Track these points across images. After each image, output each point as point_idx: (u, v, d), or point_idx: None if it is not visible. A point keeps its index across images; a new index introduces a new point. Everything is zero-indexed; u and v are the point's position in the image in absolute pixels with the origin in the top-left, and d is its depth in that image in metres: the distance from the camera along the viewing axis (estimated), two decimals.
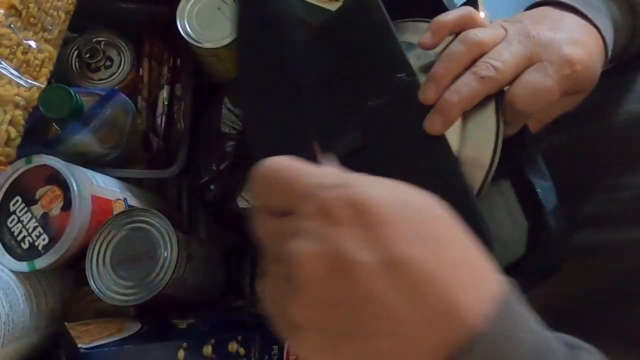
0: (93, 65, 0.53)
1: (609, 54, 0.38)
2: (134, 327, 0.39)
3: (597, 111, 0.43)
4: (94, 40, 0.53)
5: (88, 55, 0.52)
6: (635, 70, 0.43)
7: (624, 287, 0.37)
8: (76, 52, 0.53)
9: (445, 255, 0.22)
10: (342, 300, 0.21)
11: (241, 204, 0.55)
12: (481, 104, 0.34)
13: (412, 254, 0.21)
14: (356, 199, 0.22)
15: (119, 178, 0.50)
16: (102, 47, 0.53)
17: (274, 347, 0.42)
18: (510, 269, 0.35)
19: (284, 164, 0.24)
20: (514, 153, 0.36)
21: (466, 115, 0.35)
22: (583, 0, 0.38)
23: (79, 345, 0.34)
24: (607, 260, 0.39)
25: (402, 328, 0.21)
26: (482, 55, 0.35)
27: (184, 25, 0.49)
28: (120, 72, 0.53)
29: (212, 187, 0.53)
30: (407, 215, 0.22)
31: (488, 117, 0.35)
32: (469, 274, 0.22)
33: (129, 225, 0.42)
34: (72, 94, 0.43)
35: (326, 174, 0.24)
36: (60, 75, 0.51)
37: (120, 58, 0.53)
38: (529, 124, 0.38)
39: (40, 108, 0.43)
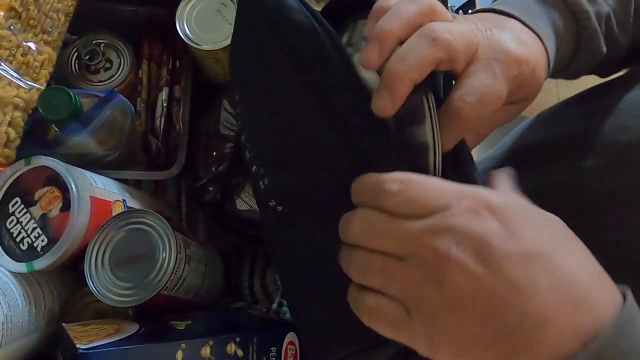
0: (92, 67, 0.53)
1: (551, 63, 0.36)
2: (132, 329, 0.39)
3: (579, 142, 0.41)
4: (94, 42, 0.53)
5: (87, 57, 0.53)
6: (615, 92, 0.41)
7: None
8: (76, 54, 0.53)
9: (574, 253, 0.26)
10: (484, 286, 0.25)
11: (240, 205, 0.55)
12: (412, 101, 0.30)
13: (547, 249, 0.26)
14: (496, 202, 0.26)
15: (117, 179, 0.50)
16: (101, 49, 0.53)
17: (272, 348, 0.42)
18: None
19: (420, 178, 0.27)
20: (449, 174, 0.30)
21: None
22: (522, 8, 0.36)
23: (78, 346, 0.34)
24: None
25: (544, 312, 0.24)
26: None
27: (184, 27, 0.49)
28: (120, 74, 0.53)
29: (211, 188, 0.53)
30: (531, 215, 0.27)
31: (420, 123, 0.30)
32: (597, 271, 0.26)
33: (128, 227, 0.42)
34: (72, 95, 0.43)
35: (462, 186, 0.27)
36: (60, 77, 0.52)
37: (120, 60, 0.53)
38: (467, 138, 0.32)
39: (40, 109, 0.43)
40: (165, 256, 0.41)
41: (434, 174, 0.30)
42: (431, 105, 0.30)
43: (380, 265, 0.27)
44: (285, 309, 0.53)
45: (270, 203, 0.34)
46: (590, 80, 0.48)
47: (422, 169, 0.29)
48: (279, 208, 0.34)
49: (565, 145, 0.43)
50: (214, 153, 0.53)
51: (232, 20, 0.50)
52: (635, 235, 0.35)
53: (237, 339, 0.39)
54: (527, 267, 0.25)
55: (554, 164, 0.43)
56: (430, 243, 0.26)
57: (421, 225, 0.26)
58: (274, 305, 0.54)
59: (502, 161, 0.51)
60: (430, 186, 0.27)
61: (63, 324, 0.42)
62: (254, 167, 0.36)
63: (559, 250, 0.26)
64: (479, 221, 0.26)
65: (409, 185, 0.27)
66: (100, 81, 0.53)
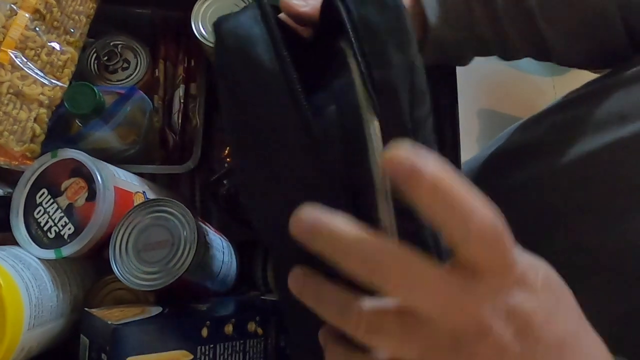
0: (111, 67, 0.55)
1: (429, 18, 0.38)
2: (156, 310, 0.41)
3: (550, 149, 0.43)
4: (112, 43, 0.56)
5: (106, 57, 0.55)
6: (589, 102, 0.43)
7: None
8: (94, 54, 0.55)
9: (587, 327, 0.25)
10: None
11: None
12: None
13: (575, 332, 0.25)
14: (543, 277, 0.24)
15: (136, 174, 0.52)
16: (119, 50, 0.55)
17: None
18: None
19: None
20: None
21: None
22: None
23: (109, 322, 0.36)
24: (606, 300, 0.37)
25: None
26: None
27: (199, 27, 0.52)
28: (137, 73, 0.55)
29: (225, 182, 0.55)
30: (565, 293, 0.25)
31: None
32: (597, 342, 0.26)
33: (151, 214, 0.44)
34: (96, 91, 0.46)
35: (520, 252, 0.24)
36: (80, 77, 0.54)
37: (137, 60, 0.56)
38: None
39: (66, 104, 0.46)
40: (187, 242, 0.43)
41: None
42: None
43: (398, 323, 0.23)
44: None
45: None
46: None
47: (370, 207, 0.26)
48: None
49: (538, 149, 0.45)
50: (228, 147, 0.55)
51: None
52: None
53: (257, 318, 0.41)
54: (561, 355, 0.23)
55: (527, 165, 0.45)
56: (474, 308, 0.23)
57: (465, 285, 0.23)
58: None
59: (485, 163, 0.54)
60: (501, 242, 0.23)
61: (86, 309, 0.44)
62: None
63: (579, 329, 0.25)
64: (524, 299, 0.23)
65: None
66: (118, 80, 0.55)
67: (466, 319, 0.23)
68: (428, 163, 0.21)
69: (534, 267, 0.24)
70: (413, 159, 0.21)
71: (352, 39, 0.28)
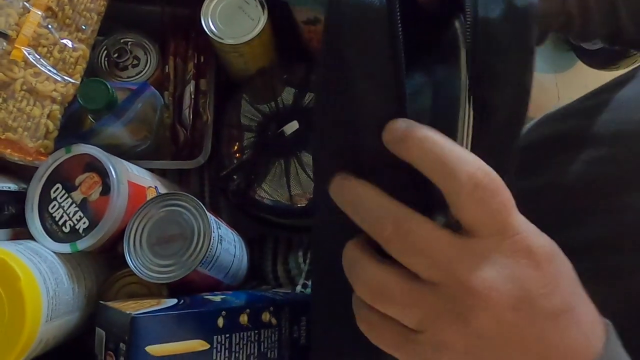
0: (121, 64, 0.56)
1: None
2: (172, 302, 0.42)
3: (578, 137, 0.42)
4: (122, 40, 0.56)
5: (116, 55, 0.56)
6: (613, 90, 0.43)
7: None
8: (105, 52, 0.56)
9: (584, 298, 0.25)
10: (512, 338, 0.23)
11: (261, 194, 0.57)
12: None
13: (574, 302, 0.25)
14: (539, 248, 0.24)
15: (146, 169, 0.53)
16: (129, 47, 0.56)
17: (302, 318, 0.44)
18: None
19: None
20: None
21: None
22: None
23: (127, 312, 0.36)
24: (612, 285, 0.36)
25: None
26: None
27: (208, 24, 0.52)
28: (147, 70, 0.56)
29: (235, 177, 0.55)
30: (562, 261, 0.25)
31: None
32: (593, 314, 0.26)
33: (165, 208, 0.45)
34: (109, 87, 0.46)
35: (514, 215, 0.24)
36: (91, 74, 0.54)
37: (147, 57, 0.56)
38: None
39: (79, 100, 0.46)
40: (201, 235, 0.44)
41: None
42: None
43: (400, 289, 0.24)
44: (309, 289, 0.55)
45: None
46: (591, 83, 0.51)
47: None
48: None
49: (566, 141, 0.45)
50: (237, 143, 0.56)
51: (254, 16, 0.53)
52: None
53: (271, 309, 0.42)
54: (556, 326, 0.24)
55: (555, 159, 0.44)
56: (470, 275, 0.23)
57: (464, 249, 0.23)
58: (298, 287, 0.56)
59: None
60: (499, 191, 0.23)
61: (101, 302, 0.44)
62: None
63: (576, 301, 0.25)
64: (524, 267, 0.23)
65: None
66: (128, 77, 0.56)
67: (465, 285, 0.23)
68: (420, 127, 0.23)
69: (536, 236, 0.24)
70: (408, 125, 0.23)
71: (467, 40, 0.26)
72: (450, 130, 0.25)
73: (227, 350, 0.39)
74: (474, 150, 0.25)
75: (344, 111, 0.27)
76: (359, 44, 0.25)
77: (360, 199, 0.25)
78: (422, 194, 0.25)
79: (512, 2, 0.26)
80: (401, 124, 0.24)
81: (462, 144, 0.25)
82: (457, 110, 0.26)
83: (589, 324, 0.25)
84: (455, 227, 0.24)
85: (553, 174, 0.43)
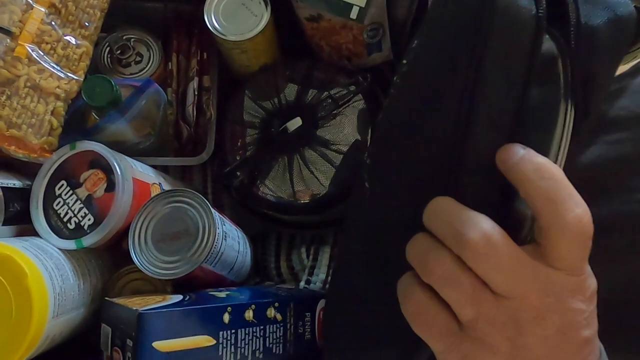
0: (124, 60, 0.56)
1: None
2: (177, 298, 0.42)
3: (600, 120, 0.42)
4: (124, 37, 0.56)
5: (119, 51, 0.56)
6: (628, 76, 0.43)
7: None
8: (108, 48, 0.56)
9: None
10: (550, 354, 0.26)
11: (264, 190, 0.57)
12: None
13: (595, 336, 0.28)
14: (592, 291, 0.27)
15: (150, 165, 0.53)
16: (132, 43, 0.56)
17: (307, 314, 0.44)
18: None
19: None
20: None
21: None
22: None
23: (134, 308, 0.36)
24: (627, 262, 0.38)
25: None
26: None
27: (211, 20, 0.52)
28: (150, 66, 0.56)
29: (238, 173, 0.55)
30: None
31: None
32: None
33: (170, 204, 0.45)
34: (113, 83, 0.46)
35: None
36: (94, 70, 0.55)
37: (150, 54, 0.56)
38: None
39: (83, 96, 0.46)
40: (206, 231, 0.44)
41: None
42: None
43: (470, 282, 0.25)
44: (312, 285, 0.55)
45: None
46: None
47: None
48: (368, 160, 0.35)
49: (588, 124, 0.45)
50: (240, 139, 0.56)
51: (257, 12, 0.53)
52: None
53: (276, 304, 0.42)
54: (583, 352, 0.27)
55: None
56: (537, 297, 0.25)
57: (541, 276, 0.26)
58: (302, 283, 0.56)
59: None
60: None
61: (107, 298, 0.45)
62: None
63: (595, 334, 0.28)
64: (578, 301, 0.26)
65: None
66: (131, 74, 0.56)
67: (530, 304, 0.25)
68: (537, 155, 0.25)
69: (592, 277, 0.27)
70: (527, 150, 0.25)
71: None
72: (546, 135, 0.27)
73: (232, 346, 0.39)
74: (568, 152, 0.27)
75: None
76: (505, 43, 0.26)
77: (449, 208, 0.26)
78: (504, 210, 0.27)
79: (616, 11, 0.27)
80: (519, 148, 0.26)
81: (558, 148, 0.28)
82: (555, 115, 0.27)
83: (597, 348, 0.28)
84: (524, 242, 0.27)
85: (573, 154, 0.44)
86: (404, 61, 0.33)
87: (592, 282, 0.27)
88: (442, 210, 0.27)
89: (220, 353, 0.38)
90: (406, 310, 0.27)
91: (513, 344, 0.26)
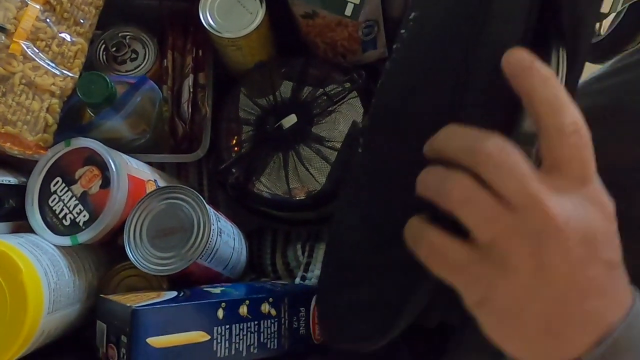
0: (119, 58, 0.56)
1: None
2: (172, 294, 0.42)
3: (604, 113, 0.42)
4: (120, 34, 0.56)
5: (114, 48, 0.56)
6: (632, 69, 0.44)
7: None
8: (103, 46, 0.56)
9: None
10: (573, 276, 0.25)
11: (260, 187, 0.58)
12: None
13: (619, 260, 0.27)
14: (609, 202, 0.27)
15: (145, 162, 0.53)
16: (127, 41, 0.56)
17: (301, 309, 0.45)
18: None
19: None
20: None
21: None
22: None
23: (128, 305, 0.37)
24: None
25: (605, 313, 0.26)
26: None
27: (207, 17, 0.52)
28: (145, 64, 0.56)
29: (234, 170, 0.56)
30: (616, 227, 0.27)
31: None
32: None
33: (165, 201, 0.45)
34: (108, 80, 0.46)
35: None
36: (89, 68, 0.54)
37: (145, 51, 0.56)
38: None
39: (78, 93, 0.46)
40: (201, 227, 0.44)
41: None
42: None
43: (486, 200, 0.25)
44: (308, 281, 0.56)
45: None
46: None
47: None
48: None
49: (604, 112, 0.44)
50: (236, 136, 0.56)
51: (252, 9, 0.53)
52: None
53: (270, 300, 0.42)
54: (609, 275, 0.26)
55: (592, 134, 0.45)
56: (552, 202, 0.25)
57: (550, 181, 0.25)
58: (297, 280, 0.57)
59: None
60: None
61: (101, 295, 0.45)
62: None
63: (622, 262, 0.27)
64: (596, 213, 0.26)
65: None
66: (127, 71, 0.56)
67: (546, 211, 0.25)
68: (543, 64, 0.26)
69: (607, 194, 0.27)
70: (534, 58, 0.26)
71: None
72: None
73: (227, 341, 0.39)
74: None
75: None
76: None
77: (460, 130, 0.27)
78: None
79: None
80: (528, 55, 0.26)
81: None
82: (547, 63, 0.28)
83: (627, 282, 0.27)
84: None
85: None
86: (402, 31, 0.36)
87: (609, 200, 0.26)
88: (453, 132, 0.27)
89: (214, 348, 0.39)
90: (421, 252, 0.27)
91: (535, 260, 0.25)
